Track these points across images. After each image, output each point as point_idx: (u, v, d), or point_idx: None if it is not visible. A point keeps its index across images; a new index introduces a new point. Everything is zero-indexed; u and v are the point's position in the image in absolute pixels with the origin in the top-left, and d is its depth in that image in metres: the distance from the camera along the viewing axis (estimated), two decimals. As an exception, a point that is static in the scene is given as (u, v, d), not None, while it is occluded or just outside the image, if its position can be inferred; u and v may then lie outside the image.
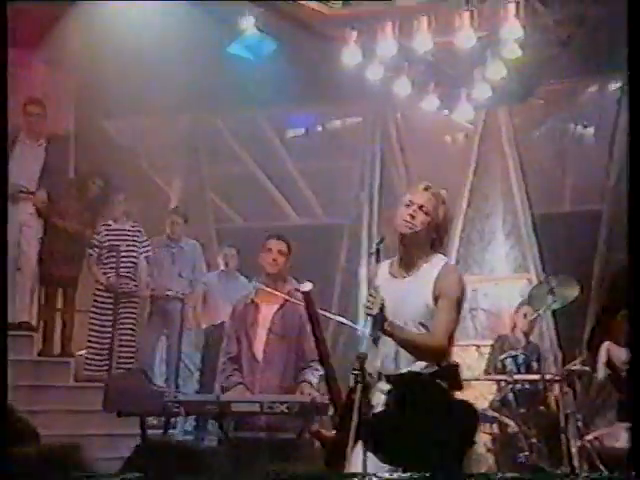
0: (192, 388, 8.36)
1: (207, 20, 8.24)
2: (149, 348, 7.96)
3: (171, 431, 6.77)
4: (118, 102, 9.01)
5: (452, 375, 3.73)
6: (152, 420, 7.06)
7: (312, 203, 10.06)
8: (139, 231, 7.94)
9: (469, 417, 2.31)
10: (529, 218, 9.06)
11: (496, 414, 6.81)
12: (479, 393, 7.62)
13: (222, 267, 8.31)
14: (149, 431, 6.65)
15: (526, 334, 7.33)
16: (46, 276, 7.60)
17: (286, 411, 4.67)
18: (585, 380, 7.50)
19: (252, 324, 5.23)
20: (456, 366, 3.81)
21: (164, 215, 8.65)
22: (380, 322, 3.58)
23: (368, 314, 3.59)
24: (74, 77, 9.17)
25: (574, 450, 6.60)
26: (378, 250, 3.75)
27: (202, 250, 8.47)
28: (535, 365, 7.16)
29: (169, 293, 7.99)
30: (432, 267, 3.75)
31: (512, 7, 5.80)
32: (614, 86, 9.08)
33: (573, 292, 6.97)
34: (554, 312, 7.68)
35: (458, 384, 3.74)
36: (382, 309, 3.58)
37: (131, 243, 7.83)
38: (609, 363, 4.13)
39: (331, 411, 4.54)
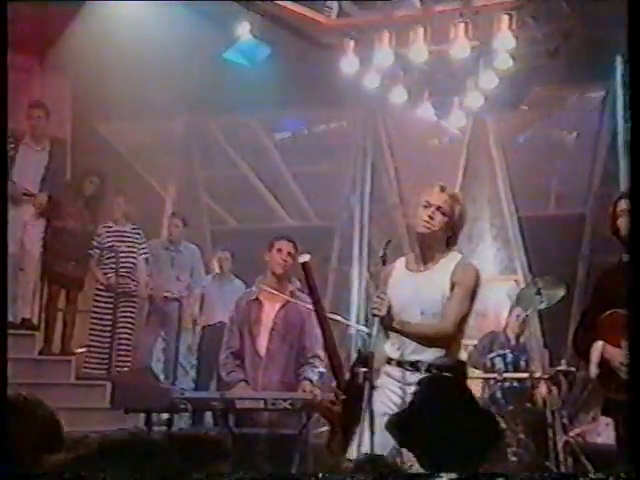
0: (187, 387, 8.46)
1: (203, 26, 8.37)
2: (147, 347, 8.07)
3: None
4: (114, 106, 9.10)
5: (460, 371, 3.96)
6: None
7: (304, 205, 10.18)
8: (138, 233, 8.03)
9: (493, 421, 2.46)
10: (516, 221, 9.24)
11: (483, 409, 6.94)
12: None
13: (217, 270, 8.43)
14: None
15: (517, 335, 7.48)
16: (50, 276, 7.68)
17: (289, 407, 4.79)
18: (569, 379, 7.67)
19: (256, 322, 5.35)
20: (463, 362, 4.02)
21: (159, 217, 8.77)
22: (388, 322, 3.74)
23: (375, 315, 3.74)
24: (71, 81, 9.26)
25: (560, 445, 6.76)
26: (385, 253, 3.90)
27: (200, 255, 8.60)
28: (523, 364, 7.32)
29: (167, 294, 8.10)
30: (449, 261, 3.95)
31: (505, 19, 5.97)
32: (597, 94, 9.29)
33: (559, 292, 7.15)
34: (540, 312, 7.85)
35: (464, 380, 4.00)
36: (389, 311, 3.75)
37: (131, 244, 7.92)
38: (600, 362, 4.24)
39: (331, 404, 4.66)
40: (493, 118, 9.03)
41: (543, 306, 7.12)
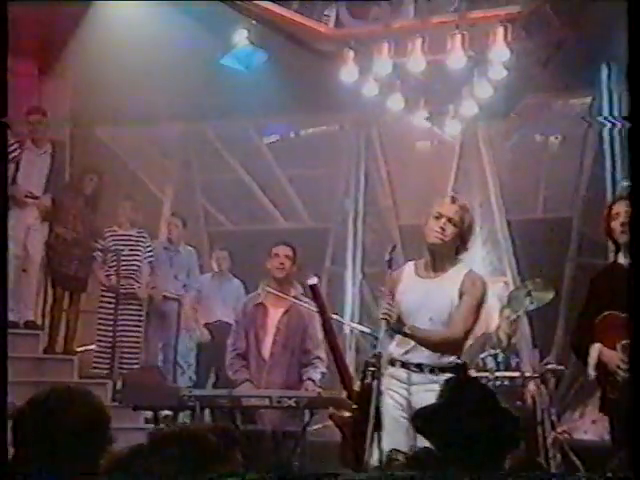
0: (185, 384, 8.56)
1: (201, 32, 8.47)
2: (149, 347, 8.16)
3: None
4: (113, 110, 9.19)
5: (462, 371, 4.13)
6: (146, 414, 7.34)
7: (299, 208, 10.27)
8: (144, 237, 8.12)
9: (515, 421, 2.59)
10: (505, 224, 9.37)
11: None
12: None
13: (215, 269, 8.52)
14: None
15: (509, 335, 7.62)
16: (54, 277, 7.76)
17: (294, 405, 4.92)
18: (557, 377, 7.83)
19: (261, 326, 5.53)
20: (465, 363, 4.19)
21: (157, 219, 8.87)
22: (398, 328, 3.88)
23: (385, 320, 3.87)
24: (70, 85, 9.33)
25: (549, 442, 6.91)
26: (391, 258, 4.03)
27: (197, 257, 8.70)
28: (513, 363, 7.46)
29: (166, 294, 8.20)
30: (457, 271, 4.09)
31: (500, 31, 6.14)
32: (583, 100, 9.45)
33: (549, 295, 7.32)
34: (529, 313, 7.99)
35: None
36: (399, 316, 3.89)
37: (135, 248, 7.99)
38: (598, 364, 4.36)
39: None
40: (483, 125, 9.16)
41: (533, 308, 7.29)
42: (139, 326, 7.96)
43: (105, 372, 7.57)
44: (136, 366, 7.75)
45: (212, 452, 1.99)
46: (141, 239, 8.08)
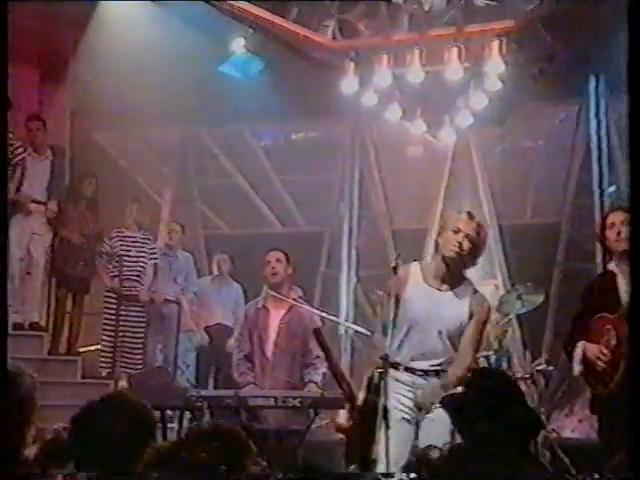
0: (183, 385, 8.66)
1: (200, 40, 8.57)
2: (150, 348, 8.27)
3: (170, 425, 7.10)
4: (112, 116, 9.26)
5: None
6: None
7: (294, 212, 10.40)
8: (149, 239, 8.22)
9: (537, 417, 2.75)
10: (496, 229, 9.52)
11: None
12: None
13: (216, 272, 8.64)
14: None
15: (499, 339, 7.74)
16: (58, 279, 7.85)
17: (298, 405, 5.05)
18: (546, 377, 7.99)
19: (264, 327, 5.68)
20: None
21: (156, 223, 8.97)
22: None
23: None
24: (70, 91, 9.42)
25: (539, 440, 7.06)
26: (397, 264, 4.16)
27: (194, 262, 8.81)
28: (505, 365, 7.61)
29: (167, 297, 8.32)
30: (466, 289, 4.22)
31: (495, 44, 6.30)
32: (571, 109, 9.63)
33: (539, 298, 7.47)
34: (518, 316, 8.14)
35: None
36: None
37: (140, 250, 8.08)
38: (583, 360, 4.52)
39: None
40: (476, 132, 9.30)
41: (523, 311, 7.44)
42: (141, 327, 8.05)
43: (108, 372, 7.67)
44: (139, 367, 7.86)
45: (244, 446, 2.12)
46: (146, 241, 8.18)
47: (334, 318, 6.75)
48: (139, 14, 8.66)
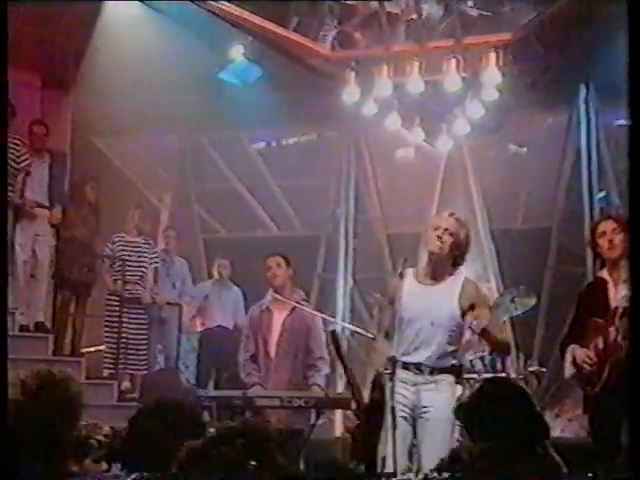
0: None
1: (200, 47, 8.70)
2: (149, 350, 8.39)
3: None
4: (113, 121, 9.37)
5: (457, 372, 4.48)
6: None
7: (291, 217, 10.52)
8: (149, 244, 8.32)
9: (545, 424, 2.90)
10: (489, 233, 9.69)
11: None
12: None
13: (216, 276, 8.76)
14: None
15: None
16: (62, 282, 7.95)
17: (303, 405, 5.20)
18: (538, 378, 8.15)
19: (267, 328, 5.82)
20: (461, 365, 4.53)
21: (155, 227, 9.09)
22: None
23: None
24: (71, 97, 9.51)
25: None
26: (402, 270, 4.33)
27: (189, 269, 8.93)
28: (499, 366, 7.77)
29: (169, 300, 8.45)
30: (455, 280, 4.41)
31: (492, 56, 6.47)
32: (562, 117, 9.80)
33: (531, 301, 7.65)
34: (511, 319, 8.30)
35: (461, 381, 4.60)
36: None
37: (142, 254, 8.17)
38: (574, 362, 4.66)
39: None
40: (469, 139, 9.46)
41: (517, 313, 7.61)
42: (144, 329, 8.16)
43: (110, 373, 7.78)
44: (142, 368, 7.99)
45: (274, 441, 2.25)
46: (147, 246, 8.27)
47: (335, 320, 6.89)
48: (141, 21, 8.77)
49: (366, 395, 4.18)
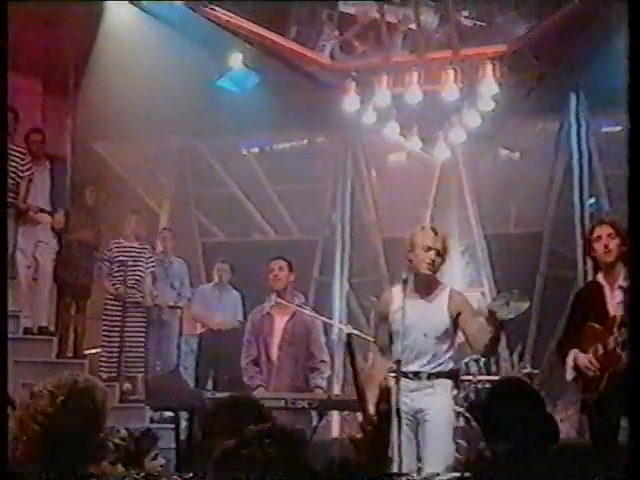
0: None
1: (199, 55, 8.78)
2: (150, 353, 8.45)
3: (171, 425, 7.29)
4: (113, 127, 9.43)
5: (454, 376, 4.62)
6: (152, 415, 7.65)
7: (288, 221, 10.62)
8: (145, 248, 8.37)
9: (555, 424, 2.99)
10: (482, 238, 9.81)
11: (461, 409, 7.51)
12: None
13: (216, 280, 8.82)
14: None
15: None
16: (62, 286, 8.01)
17: (307, 406, 5.29)
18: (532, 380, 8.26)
19: (269, 332, 5.90)
20: (458, 369, 4.67)
21: (155, 232, 9.14)
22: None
23: None
24: (72, 103, 9.57)
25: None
26: (407, 277, 4.46)
27: (187, 269, 9.00)
28: (494, 368, 7.90)
29: (168, 303, 8.51)
30: (442, 294, 4.58)
31: (489, 67, 6.60)
32: (554, 125, 9.94)
33: (525, 304, 7.71)
34: (502, 322, 8.39)
35: (457, 384, 4.71)
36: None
37: (139, 259, 8.23)
38: (575, 368, 4.75)
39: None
40: (464, 145, 9.57)
41: (510, 317, 7.70)
42: (142, 332, 8.23)
43: (110, 376, 7.83)
44: (140, 370, 8.06)
45: (301, 444, 2.34)
46: (144, 251, 8.33)
47: (337, 323, 6.98)
48: (141, 29, 8.85)
49: (371, 400, 4.28)
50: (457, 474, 2.84)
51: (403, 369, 4.38)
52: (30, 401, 2.60)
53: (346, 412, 6.57)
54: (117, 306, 8.03)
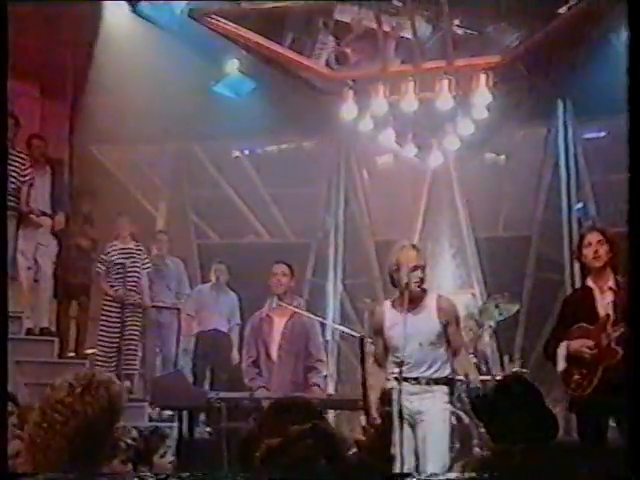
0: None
1: (195, 61, 8.89)
2: (148, 353, 8.56)
3: (170, 424, 7.40)
4: (111, 131, 9.52)
5: (452, 382, 4.86)
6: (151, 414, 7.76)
7: (282, 224, 10.71)
8: (141, 249, 8.46)
9: (555, 420, 3.13)
10: (473, 241, 9.96)
11: (453, 409, 7.65)
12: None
13: (213, 280, 8.92)
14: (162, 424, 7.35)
15: (473, 342, 8.13)
16: (63, 288, 8.11)
17: (307, 406, 5.41)
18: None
19: (268, 333, 6.03)
20: (453, 378, 4.86)
21: (151, 234, 9.24)
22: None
23: None
24: (70, 107, 9.65)
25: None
26: (408, 281, 4.64)
27: (184, 268, 9.10)
28: (484, 368, 8.03)
29: (165, 304, 8.62)
30: (430, 302, 4.78)
31: (482, 77, 6.77)
32: (542, 131, 10.11)
33: (514, 307, 7.94)
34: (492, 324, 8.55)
35: (453, 390, 4.95)
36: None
37: (134, 260, 8.31)
38: (568, 356, 4.87)
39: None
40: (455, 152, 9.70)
41: (501, 319, 7.89)
42: (141, 333, 8.33)
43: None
44: (135, 369, 8.16)
45: (340, 441, 2.45)
46: (139, 252, 8.41)
47: (325, 321, 7.09)
48: (139, 35, 8.94)
49: (374, 400, 4.42)
50: (457, 474, 2.96)
51: (404, 374, 4.56)
52: (51, 393, 2.69)
53: (344, 412, 6.67)
54: (115, 307, 8.11)
